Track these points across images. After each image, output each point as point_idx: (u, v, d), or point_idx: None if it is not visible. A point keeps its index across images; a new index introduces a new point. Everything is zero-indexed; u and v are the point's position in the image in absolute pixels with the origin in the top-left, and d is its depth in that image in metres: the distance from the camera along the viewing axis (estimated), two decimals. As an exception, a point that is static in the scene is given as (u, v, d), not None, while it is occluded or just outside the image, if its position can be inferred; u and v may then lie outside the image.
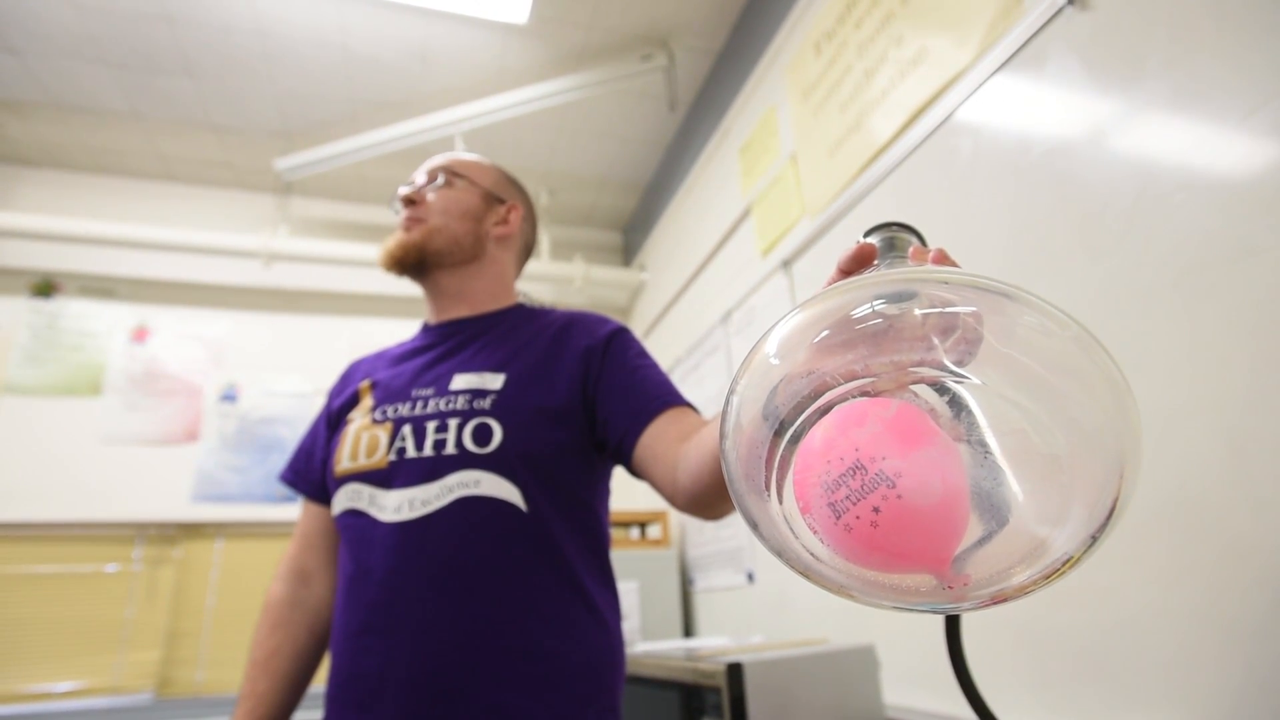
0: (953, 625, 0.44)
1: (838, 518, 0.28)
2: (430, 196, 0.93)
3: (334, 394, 0.97)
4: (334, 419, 0.93)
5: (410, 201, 0.93)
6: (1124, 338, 0.88)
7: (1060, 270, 0.98)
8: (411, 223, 0.92)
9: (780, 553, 0.32)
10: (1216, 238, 0.78)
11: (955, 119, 1.21)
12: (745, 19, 2.19)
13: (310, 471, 0.93)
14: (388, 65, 2.38)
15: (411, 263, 0.91)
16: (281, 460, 2.62)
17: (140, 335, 2.68)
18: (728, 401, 0.32)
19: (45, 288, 2.64)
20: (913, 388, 0.29)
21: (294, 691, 0.85)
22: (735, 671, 1.03)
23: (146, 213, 2.79)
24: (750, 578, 1.91)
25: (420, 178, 0.96)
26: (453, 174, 0.95)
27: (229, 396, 2.69)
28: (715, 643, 1.48)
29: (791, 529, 0.31)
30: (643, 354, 0.87)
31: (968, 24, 1.20)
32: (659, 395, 0.80)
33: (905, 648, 1.25)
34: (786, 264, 1.76)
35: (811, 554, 0.31)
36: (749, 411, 0.31)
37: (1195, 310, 0.80)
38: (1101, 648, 0.88)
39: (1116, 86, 0.92)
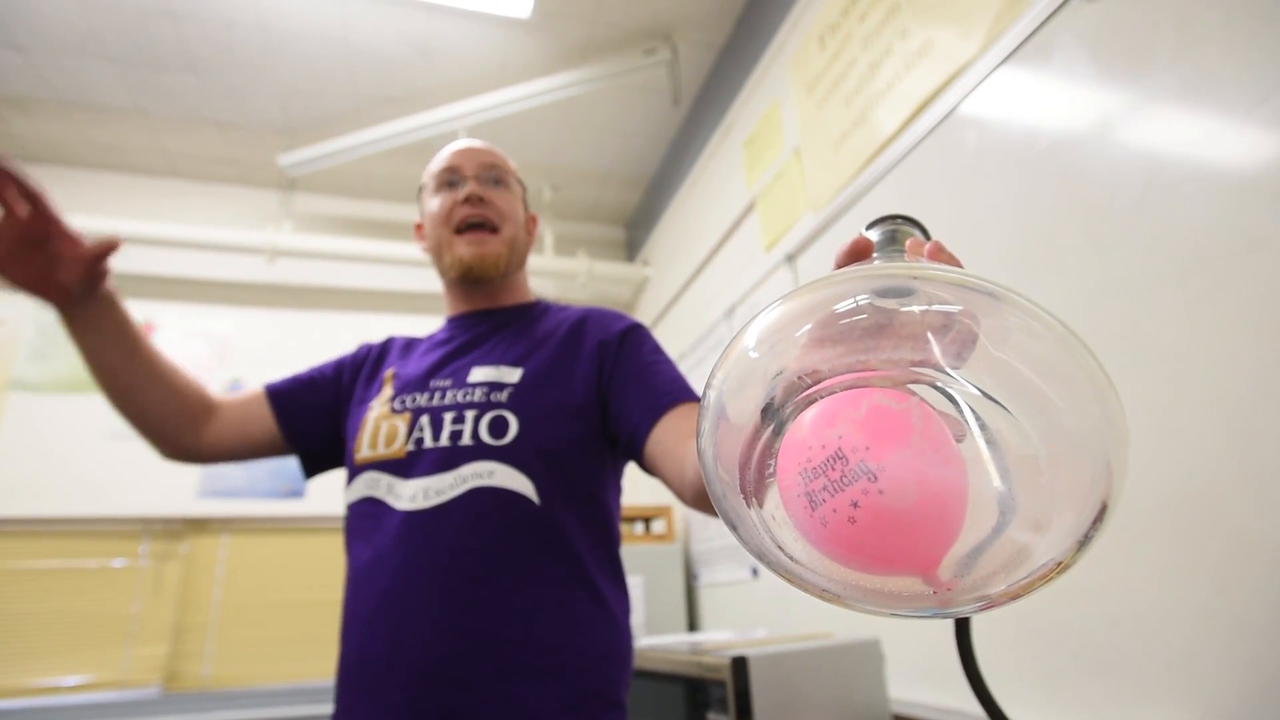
0: (962, 621, 0.44)
1: (814, 509, 0.27)
2: (499, 201, 0.92)
3: (364, 358, 0.97)
4: (351, 376, 0.95)
5: (479, 199, 0.89)
6: (1130, 330, 0.87)
7: (1066, 263, 0.98)
8: (486, 235, 0.90)
9: (760, 555, 0.30)
10: (1223, 230, 0.78)
11: (960, 112, 1.20)
12: (749, 12, 2.18)
13: (295, 388, 0.95)
14: (390, 60, 2.38)
15: (499, 275, 0.91)
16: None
17: (145, 331, 2.68)
18: (704, 396, 0.30)
19: (51, 284, 2.65)
20: (910, 386, 0.27)
21: (149, 364, 0.84)
22: (740, 665, 1.03)
23: (151, 209, 2.80)
24: (754, 572, 1.91)
25: (471, 168, 0.92)
26: (509, 175, 0.95)
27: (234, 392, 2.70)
28: (720, 637, 1.48)
29: (770, 531, 0.30)
30: (657, 350, 0.87)
31: (973, 16, 1.19)
32: (669, 391, 0.80)
33: (910, 642, 1.25)
34: (791, 258, 1.76)
35: (790, 556, 0.29)
36: (727, 406, 0.29)
37: (1202, 303, 0.79)
38: (1107, 642, 0.88)
39: (1123, 78, 0.91)
